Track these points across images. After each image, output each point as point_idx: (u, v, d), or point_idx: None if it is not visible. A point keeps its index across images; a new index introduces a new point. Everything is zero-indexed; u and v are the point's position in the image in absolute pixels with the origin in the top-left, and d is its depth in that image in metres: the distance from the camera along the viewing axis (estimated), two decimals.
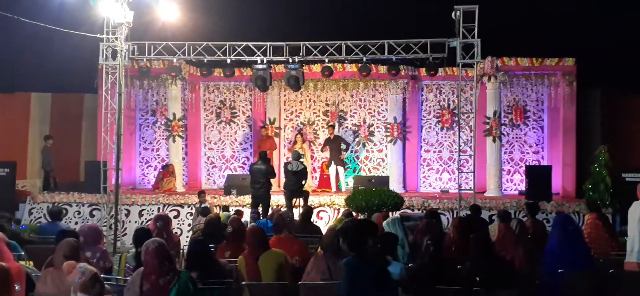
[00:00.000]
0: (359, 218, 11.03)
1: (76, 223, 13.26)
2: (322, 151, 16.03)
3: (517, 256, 7.07)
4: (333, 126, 16.00)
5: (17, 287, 4.93)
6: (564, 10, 15.87)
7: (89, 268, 4.93)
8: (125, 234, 13.11)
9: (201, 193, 12.75)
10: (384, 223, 7.74)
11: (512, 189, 16.12)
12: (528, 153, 16.32)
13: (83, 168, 15.73)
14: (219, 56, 13.18)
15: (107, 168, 12.86)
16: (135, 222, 13.53)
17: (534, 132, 16.32)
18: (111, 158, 12.78)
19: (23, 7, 11.98)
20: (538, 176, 14.00)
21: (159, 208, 13.65)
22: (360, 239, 5.08)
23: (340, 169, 15.65)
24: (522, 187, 15.40)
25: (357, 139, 16.80)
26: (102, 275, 5.69)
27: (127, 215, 13.74)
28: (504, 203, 13.40)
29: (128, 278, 5.74)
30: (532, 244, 7.63)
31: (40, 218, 13.66)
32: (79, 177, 16.35)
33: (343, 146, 15.71)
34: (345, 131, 16.71)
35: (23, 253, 7.26)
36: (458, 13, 12.05)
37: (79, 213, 13.92)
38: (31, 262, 6.64)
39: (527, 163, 15.95)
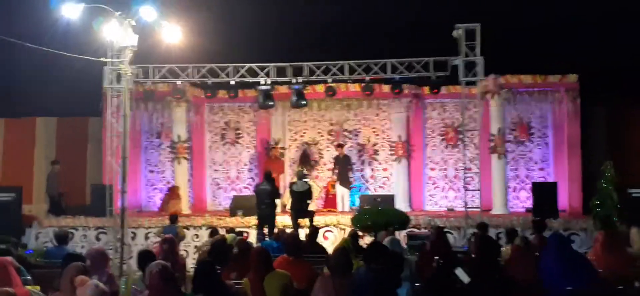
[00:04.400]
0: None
1: (82, 247, 13.22)
2: (332, 172, 15.93)
3: (527, 273, 7.02)
4: (342, 146, 16.00)
5: None
6: (567, 27, 15.89)
7: (101, 286, 4.94)
8: (131, 257, 13.07)
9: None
10: (384, 242, 7.70)
11: (519, 206, 16.04)
12: (534, 170, 16.28)
13: (89, 192, 15.74)
14: (222, 77, 13.25)
15: (113, 190, 12.86)
16: (142, 245, 13.49)
17: (539, 148, 16.29)
18: (117, 181, 12.79)
19: (27, 31, 12.06)
20: (544, 193, 13.92)
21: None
22: None
23: (346, 191, 15.58)
24: (529, 204, 15.32)
25: (362, 158, 16.79)
26: None
27: (133, 238, 13.71)
28: (511, 220, 13.34)
29: None
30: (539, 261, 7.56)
31: (46, 242, 13.63)
32: (85, 200, 16.32)
33: (348, 167, 15.68)
34: (350, 150, 16.69)
35: (30, 277, 7.24)
36: (460, 31, 12.10)
37: (85, 236, 13.90)
38: (38, 287, 6.62)
39: (533, 180, 15.88)
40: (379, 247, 6.61)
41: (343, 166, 15.54)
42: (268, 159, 16.15)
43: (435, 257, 6.45)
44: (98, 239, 13.79)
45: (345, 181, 15.52)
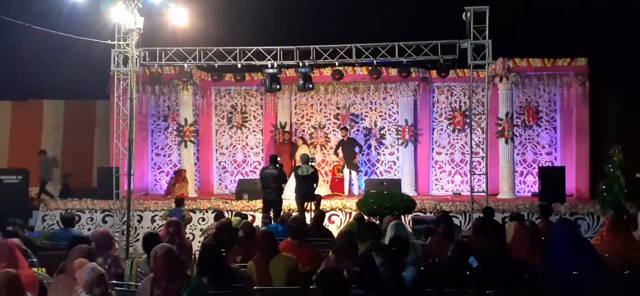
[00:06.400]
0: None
1: (89, 229, 13.26)
2: (335, 154, 15.98)
3: (532, 257, 6.99)
4: (346, 129, 15.93)
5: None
6: (576, 10, 15.73)
7: (98, 269, 4.95)
8: (138, 240, 13.13)
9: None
10: (389, 227, 7.66)
11: (525, 191, 16.00)
12: (541, 154, 16.20)
13: (96, 174, 15.81)
14: (229, 60, 13.20)
15: (120, 173, 12.89)
16: (148, 228, 13.56)
17: (547, 133, 16.19)
18: (123, 164, 12.82)
19: (34, 14, 12.05)
20: (551, 178, 13.87)
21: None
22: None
23: (354, 173, 15.61)
24: (536, 188, 15.28)
25: (368, 142, 16.74)
26: (113, 281, 5.69)
27: (139, 221, 13.78)
28: (517, 205, 13.30)
29: (139, 283, 5.74)
30: (545, 245, 7.53)
31: (53, 224, 13.72)
32: (91, 183, 16.42)
33: (356, 149, 15.67)
34: (357, 134, 16.66)
35: (36, 260, 7.27)
36: (469, 14, 12.00)
37: (92, 219, 13.96)
38: (44, 269, 6.66)
39: (540, 164, 15.82)
40: (372, 226, 6.65)
41: (348, 150, 15.51)
42: (279, 145, 16.14)
43: (451, 247, 6.42)
44: (105, 221, 13.85)
45: (351, 164, 15.50)
